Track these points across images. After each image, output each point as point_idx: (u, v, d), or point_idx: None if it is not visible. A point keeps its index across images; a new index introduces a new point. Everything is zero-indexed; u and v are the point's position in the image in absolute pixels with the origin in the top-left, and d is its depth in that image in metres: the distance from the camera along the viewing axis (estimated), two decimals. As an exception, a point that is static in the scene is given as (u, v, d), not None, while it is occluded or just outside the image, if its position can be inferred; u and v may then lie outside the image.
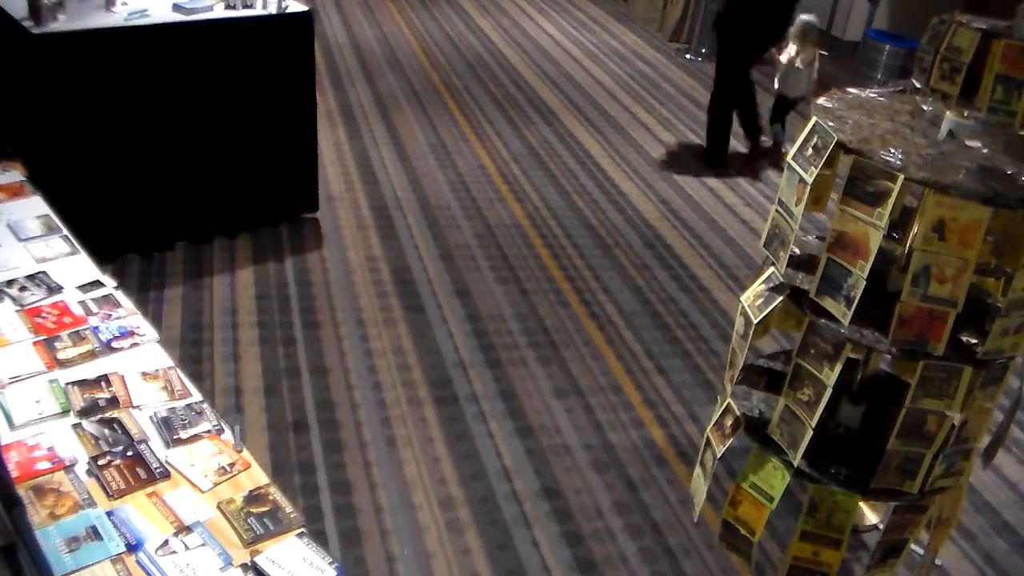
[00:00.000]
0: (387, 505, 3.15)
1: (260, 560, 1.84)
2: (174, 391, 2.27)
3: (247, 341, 3.85)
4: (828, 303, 2.53)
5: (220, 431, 2.17)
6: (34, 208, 2.93)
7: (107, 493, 1.95)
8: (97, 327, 2.45)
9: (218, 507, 1.96)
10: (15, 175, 3.11)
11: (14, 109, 4.06)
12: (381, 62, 7.21)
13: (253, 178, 4.49)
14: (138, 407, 2.20)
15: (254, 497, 1.99)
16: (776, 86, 6.11)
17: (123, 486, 1.97)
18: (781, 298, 2.70)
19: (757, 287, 2.83)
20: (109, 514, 1.90)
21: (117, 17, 3.93)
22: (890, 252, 2.81)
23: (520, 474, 3.36)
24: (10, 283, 2.56)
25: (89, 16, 3.89)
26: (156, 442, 2.11)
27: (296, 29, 4.33)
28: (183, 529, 1.89)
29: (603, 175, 5.76)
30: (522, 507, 3.22)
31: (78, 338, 2.39)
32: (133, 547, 1.83)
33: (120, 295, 2.60)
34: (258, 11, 4.23)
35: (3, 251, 2.70)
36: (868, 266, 2.41)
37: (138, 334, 2.45)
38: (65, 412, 2.16)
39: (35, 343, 2.36)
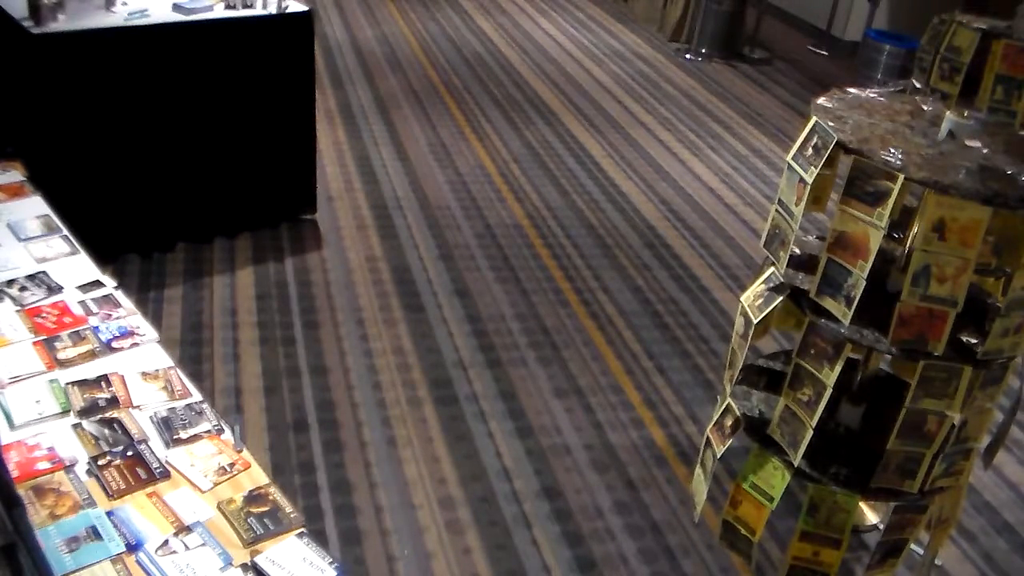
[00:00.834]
0: (387, 505, 3.15)
1: (260, 560, 1.84)
2: (174, 391, 2.27)
3: (247, 341, 3.85)
4: (828, 303, 2.53)
5: (220, 431, 2.17)
6: (34, 208, 2.93)
7: (107, 493, 1.95)
8: (97, 327, 2.45)
9: (218, 507, 1.96)
10: (15, 175, 3.10)
11: (14, 109, 4.06)
12: (381, 62, 7.21)
13: (253, 178, 4.49)
14: (138, 407, 2.20)
15: (254, 497, 1.99)
16: None
17: (123, 486, 1.97)
18: (781, 298, 2.70)
19: (757, 287, 2.83)
20: (109, 514, 1.90)
21: (117, 17, 3.93)
22: (890, 252, 2.81)
23: (520, 474, 3.36)
24: (10, 283, 2.56)
25: (89, 16, 3.89)
26: (156, 442, 2.11)
27: (296, 29, 4.33)
28: (183, 529, 1.89)
29: (603, 175, 5.76)
30: (522, 507, 3.22)
31: (78, 338, 2.39)
32: (133, 547, 1.83)
33: (120, 295, 2.60)
34: (258, 11, 4.23)
35: (3, 251, 2.70)
36: (868, 266, 2.41)
37: (138, 334, 2.45)
38: (65, 412, 2.16)
39: (35, 343, 2.36)
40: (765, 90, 7.68)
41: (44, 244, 2.76)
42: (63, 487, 1.96)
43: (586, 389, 3.84)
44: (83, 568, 1.78)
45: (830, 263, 2.50)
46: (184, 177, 4.26)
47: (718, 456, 2.87)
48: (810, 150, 2.54)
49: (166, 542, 1.86)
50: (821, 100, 2.73)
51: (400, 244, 4.72)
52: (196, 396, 2.27)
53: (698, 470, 3.09)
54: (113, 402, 2.20)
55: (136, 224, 4.22)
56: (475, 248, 4.77)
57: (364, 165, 5.50)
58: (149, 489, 1.98)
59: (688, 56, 8.22)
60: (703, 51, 8.21)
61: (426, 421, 3.55)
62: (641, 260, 4.86)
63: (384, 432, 3.47)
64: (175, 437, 2.12)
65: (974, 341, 2.54)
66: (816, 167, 2.49)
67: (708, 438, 2.97)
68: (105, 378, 2.27)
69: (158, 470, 2.02)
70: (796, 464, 2.67)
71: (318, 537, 2.59)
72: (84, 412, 2.16)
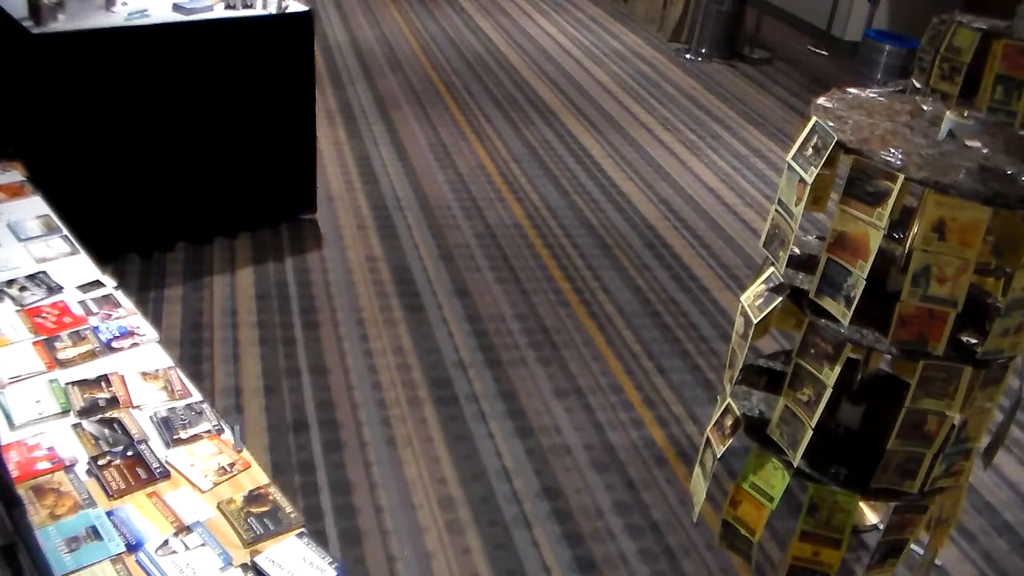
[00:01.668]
0: (387, 505, 3.15)
1: (260, 560, 1.84)
2: (174, 391, 2.27)
3: (247, 341, 3.85)
4: (828, 303, 2.53)
5: (220, 431, 2.17)
6: (34, 208, 2.93)
7: (107, 493, 1.95)
8: (97, 327, 2.45)
9: (218, 507, 1.96)
10: (15, 175, 3.11)
11: (14, 109, 4.06)
12: (381, 62, 7.21)
13: (253, 178, 4.49)
14: (138, 407, 2.20)
15: (254, 497, 1.99)
16: None
17: (123, 486, 1.97)
18: (781, 298, 2.70)
19: (757, 287, 2.83)
20: (109, 514, 1.90)
21: (117, 17, 3.93)
22: (890, 252, 2.81)
23: (520, 474, 3.36)
24: (10, 283, 2.56)
25: (89, 16, 3.89)
26: (156, 442, 2.11)
27: (296, 29, 4.33)
28: (183, 529, 1.89)
29: (603, 175, 5.76)
30: (522, 507, 3.22)
31: (78, 338, 2.39)
32: (133, 547, 1.83)
33: (120, 295, 2.60)
34: (258, 11, 4.23)
35: (3, 251, 2.70)
36: (868, 266, 2.41)
37: (138, 334, 2.45)
38: (65, 412, 2.16)
39: (35, 343, 2.36)
40: (765, 90, 7.68)
41: (44, 244, 2.76)
42: (63, 487, 1.96)
43: (586, 389, 3.84)
44: (83, 568, 1.78)
45: (830, 263, 2.50)
46: (184, 177, 4.26)
47: (718, 456, 2.87)
48: (810, 150, 2.55)
49: (166, 542, 1.86)
50: (821, 100, 2.73)
51: (400, 244, 4.72)
52: (196, 396, 2.27)
53: (697, 470, 3.09)
54: (113, 402, 2.20)
55: (136, 224, 4.22)
56: (475, 248, 4.77)
57: (364, 165, 5.51)
58: (149, 489, 1.98)
59: (688, 56, 8.22)
60: (703, 51, 8.22)
61: (426, 421, 3.55)
62: (641, 260, 4.86)
63: (384, 432, 3.47)
64: (175, 437, 2.12)
65: (974, 341, 2.54)
66: (816, 167, 2.49)
67: (708, 438, 2.97)
68: (105, 378, 2.27)
69: (158, 470, 2.02)
70: (796, 464, 2.67)
71: (318, 537, 2.60)
72: (84, 412, 2.16)
